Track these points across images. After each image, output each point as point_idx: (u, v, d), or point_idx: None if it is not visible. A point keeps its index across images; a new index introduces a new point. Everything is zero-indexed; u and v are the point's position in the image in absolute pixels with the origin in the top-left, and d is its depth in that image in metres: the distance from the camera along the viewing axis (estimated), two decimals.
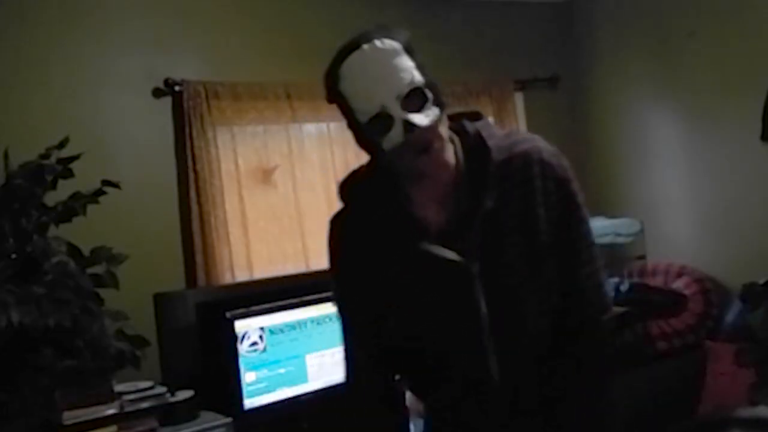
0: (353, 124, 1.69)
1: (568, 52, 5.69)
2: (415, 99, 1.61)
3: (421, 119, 1.60)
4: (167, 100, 4.09)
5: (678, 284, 4.88)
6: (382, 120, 1.61)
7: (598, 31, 5.59)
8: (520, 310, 1.73)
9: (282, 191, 4.39)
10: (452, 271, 1.70)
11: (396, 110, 1.60)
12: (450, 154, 1.71)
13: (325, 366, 3.85)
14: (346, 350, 1.90)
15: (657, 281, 4.98)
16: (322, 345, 3.85)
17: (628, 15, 5.35)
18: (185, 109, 4.04)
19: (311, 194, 4.42)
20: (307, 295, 3.82)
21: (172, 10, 4.16)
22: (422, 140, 1.62)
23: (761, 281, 4.24)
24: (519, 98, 5.48)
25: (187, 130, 4.04)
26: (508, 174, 1.71)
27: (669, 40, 5.10)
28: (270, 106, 4.34)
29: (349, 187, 1.85)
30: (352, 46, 1.66)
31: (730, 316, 4.61)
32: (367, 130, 1.65)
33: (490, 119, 5.23)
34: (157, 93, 4.07)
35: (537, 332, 1.75)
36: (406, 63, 1.63)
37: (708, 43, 4.85)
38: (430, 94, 1.63)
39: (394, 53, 1.62)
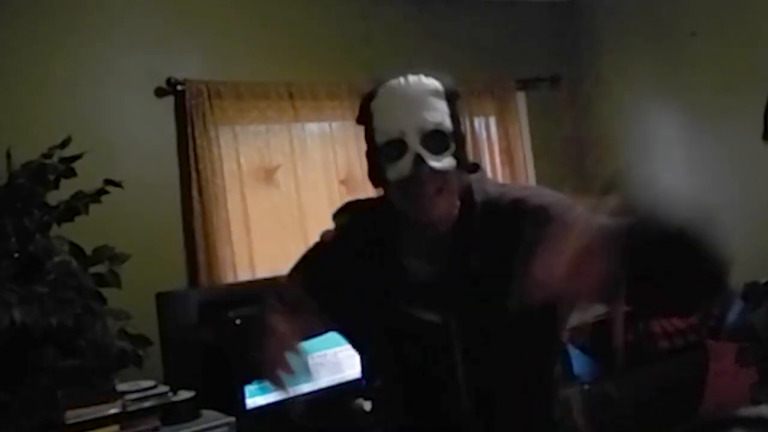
0: (369, 149, 1.68)
1: (570, 51, 5.68)
2: (436, 140, 1.60)
3: (433, 160, 1.59)
4: (169, 100, 4.10)
5: None
6: (397, 146, 1.60)
7: (599, 30, 5.59)
8: (499, 361, 1.69)
9: (284, 191, 4.39)
10: (431, 330, 1.68)
11: (413, 142, 1.59)
12: (452, 210, 1.67)
13: (327, 365, 3.85)
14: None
15: None
16: (324, 344, 3.84)
17: (629, 14, 5.35)
18: (187, 109, 4.05)
19: (313, 194, 4.43)
20: None
21: (175, 10, 4.16)
22: (428, 185, 1.60)
23: (763, 280, 4.25)
24: (521, 98, 5.49)
25: (189, 130, 4.04)
26: (496, 230, 1.67)
27: (670, 40, 5.10)
28: (272, 106, 4.35)
29: (346, 215, 1.84)
30: (398, 75, 1.65)
31: (731, 316, 4.60)
32: (379, 154, 1.64)
33: (492, 120, 5.29)
34: (160, 92, 4.08)
35: (518, 379, 1.71)
36: (441, 106, 1.62)
37: (709, 42, 4.86)
38: (453, 145, 1.62)
39: (433, 92, 1.63)
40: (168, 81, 4.06)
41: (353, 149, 4.55)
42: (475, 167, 1.77)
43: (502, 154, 5.24)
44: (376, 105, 1.65)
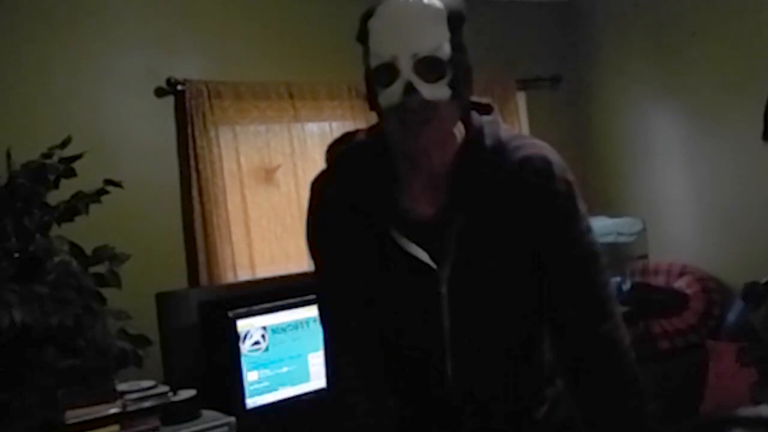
0: (366, 71, 1.57)
1: (570, 51, 5.68)
2: (430, 67, 1.50)
3: (425, 89, 1.50)
4: (169, 100, 4.10)
5: (680, 283, 4.88)
6: (388, 71, 1.51)
7: (599, 30, 5.58)
8: (486, 318, 1.63)
9: (284, 190, 4.40)
10: (421, 271, 1.60)
11: (406, 67, 1.49)
12: (450, 145, 1.60)
13: None
14: (327, 353, 1.71)
15: (659, 280, 4.99)
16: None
17: (629, 14, 5.35)
18: (187, 109, 4.05)
19: None
20: (309, 294, 3.80)
21: (175, 10, 4.16)
22: (418, 114, 1.51)
23: (763, 280, 4.24)
24: (521, 98, 5.49)
25: (189, 130, 4.04)
26: (502, 178, 1.59)
27: (670, 40, 5.10)
28: (272, 106, 4.35)
29: (339, 150, 1.72)
30: None
31: (731, 316, 4.61)
32: (373, 78, 1.55)
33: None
34: (160, 92, 4.07)
35: (502, 342, 1.66)
36: (441, 29, 1.52)
37: (709, 42, 4.85)
38: (450, 73, 1.53)
39: (434, 13, 1.51)
40: (168, 81, 4.06)
41: None
42: (489, 108, 1.70)
43: None
44: (372, 24, 1.54)
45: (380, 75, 1.52)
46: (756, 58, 4.59)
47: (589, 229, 1.64)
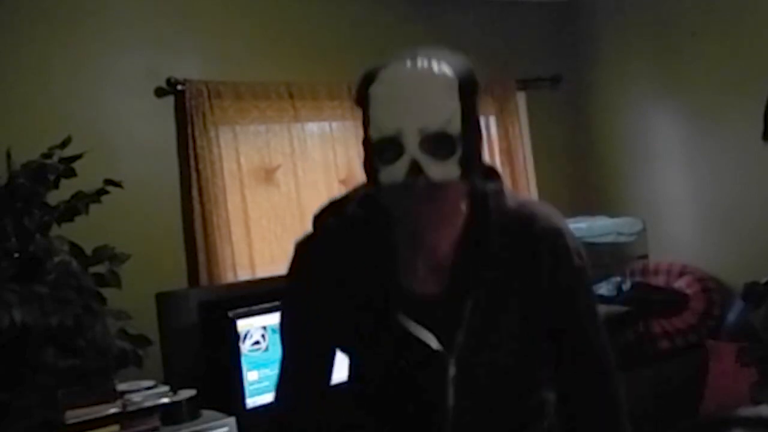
0: (365, 140, 1.45)
1: (570, 51, 5.68)
2: (439, 145, 1.37)
3: (433, 169, 1.36)
4: (169, 100, 4.09)
5: (680, 283, 4.88)
6: (392, 146, 1.37)
7: (600, 30, 5.58)
8: (492, 401, 1.56)
9: (284, 190, 4.39)
10: (426, 353, 1.49)
11: (412, 144, 1.36)
12: (456, 220, 1.49)
13: None
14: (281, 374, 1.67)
15: (659, 280, 4.98)
16: None
17: (630, 14, 5.35)
18: (187, 109, 4.04)
19: (313, 193, 4.43)
20: None
21: (175, 10, 4.16)
22: (422, 194, 1.37)
23: (763, 280, 4.25)
24: (521, 98, 5.49)
25: (189, 130, 4.04)
26: (513, 254, 1.50)
27: (671, 40, 5.10)
28: (272, 106, 4.35)
29: (328, 222, 1.61)
30: (406, 54, 1.41)
31: (731, 316, 4.61)
32: (373, 150, 1.41)
33: (492, 119, 5.28)
34: (160, 92, 4.07)
35: (506, 415, 1.59)
36: (451, 102, 1.39)
37: (710, 42, 4.85)
38: (459, 150, 1.39)
39: (444, 84, 1.39)
40: (168, 81, 4.06)
41: (353, 149, 4.55)
42: (494, 174, 1.56)
43: (502, 154, 5.24)
44: (375, 91, 1.40)
45: (382, 150, 1.39)
46: (756, 58, 4.59)
47: (595, 296, 1.65)
